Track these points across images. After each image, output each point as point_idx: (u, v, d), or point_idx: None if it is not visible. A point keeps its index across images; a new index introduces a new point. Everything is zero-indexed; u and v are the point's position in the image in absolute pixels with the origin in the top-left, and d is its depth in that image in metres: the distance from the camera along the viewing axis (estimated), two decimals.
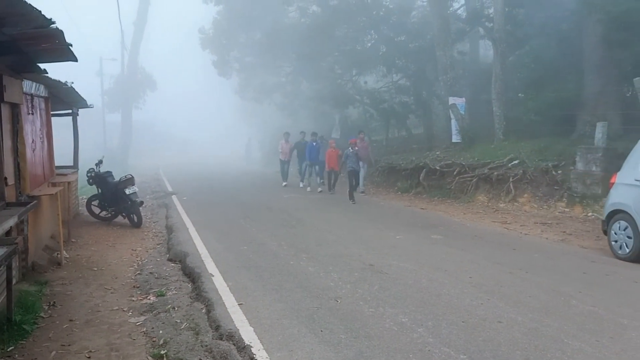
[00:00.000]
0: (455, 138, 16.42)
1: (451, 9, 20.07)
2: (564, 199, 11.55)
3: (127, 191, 10.27)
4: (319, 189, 16.33)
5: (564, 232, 9.42)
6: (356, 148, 14.32)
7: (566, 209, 11.26)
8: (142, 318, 5.16)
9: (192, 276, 6.54)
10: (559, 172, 12.07)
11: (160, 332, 4.75)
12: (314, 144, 16.85)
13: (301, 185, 17.68)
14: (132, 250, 8.36)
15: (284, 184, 18.31)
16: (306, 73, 24.41)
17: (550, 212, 11.37)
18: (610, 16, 12.09)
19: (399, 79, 22.90)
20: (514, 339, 4.37)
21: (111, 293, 6.02)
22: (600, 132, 11.42)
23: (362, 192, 15.37)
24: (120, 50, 33.85)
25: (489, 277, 6.31)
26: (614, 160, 11.27)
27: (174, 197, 14.82)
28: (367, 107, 22.99)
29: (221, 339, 4.52)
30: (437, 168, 14.96)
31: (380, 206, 12.77)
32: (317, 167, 16.99)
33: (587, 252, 7.89)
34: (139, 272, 6.96)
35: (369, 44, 22.99)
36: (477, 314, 4.99)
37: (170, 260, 7.65)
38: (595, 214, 10.58)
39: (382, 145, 21.33)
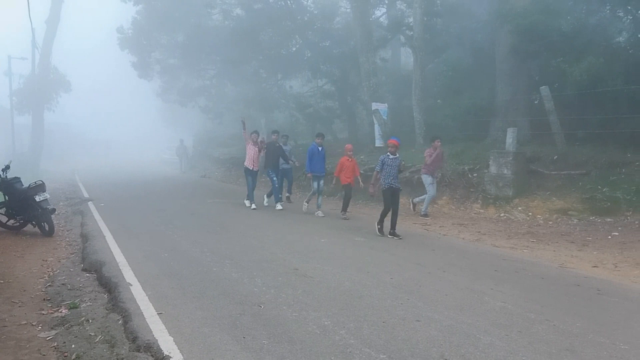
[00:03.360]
0: (379, 142, 16.84)
1: (373, 16, 20.66)
2: (479, 201, 12.15)
3: (37, 198, 9.67)
4: (318, 213, 12.24)
5: (479, 232, 9.91)
6: (397, 155, 9.60)
7: (481, 210, 11.85)
8: (53, 332, 4.86)
9: (109, 286, 6.25)
10: (475, 175, 12.70)
11: (73, 346, 4.50)
12: (320, 148, 12.72)
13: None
14: (43, 260, 7.87)
15: (252, 206, 13.18)
16: (231, 76, 24.25)
17: (467, 213, 11.92)
18: (519, 28, 12.88)
19: (324, 84, 23.26)
20: (430, 336, 4.53)
21: (19, 307, 5.63)
22: (510, 137, 12.11)
23: (424, 215, 11.83)
24: (31, 49, 31.84)
25: (409, 277, 6.51)
26: (523, 164, 12.06)
27: (90, 204, 14.12)
28: (293, 111, 23.16)
29: (138, 350, 4.35)
30: (361, 172, 15.20)
31: (306, 210, 12.85)
32: (321, 181, 12.66)
33: (499, 250, 8.34)
34: (49, 283, 6.56)
35: (294, 49, 23.18)
36: (397, 313, 5.13)
37: (84, 270, 7.26)
38: (507, 215, 11.21)
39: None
